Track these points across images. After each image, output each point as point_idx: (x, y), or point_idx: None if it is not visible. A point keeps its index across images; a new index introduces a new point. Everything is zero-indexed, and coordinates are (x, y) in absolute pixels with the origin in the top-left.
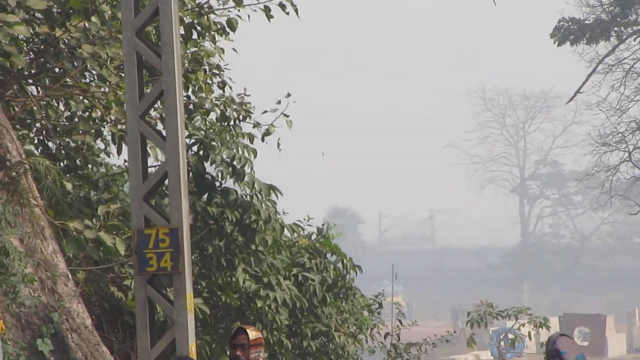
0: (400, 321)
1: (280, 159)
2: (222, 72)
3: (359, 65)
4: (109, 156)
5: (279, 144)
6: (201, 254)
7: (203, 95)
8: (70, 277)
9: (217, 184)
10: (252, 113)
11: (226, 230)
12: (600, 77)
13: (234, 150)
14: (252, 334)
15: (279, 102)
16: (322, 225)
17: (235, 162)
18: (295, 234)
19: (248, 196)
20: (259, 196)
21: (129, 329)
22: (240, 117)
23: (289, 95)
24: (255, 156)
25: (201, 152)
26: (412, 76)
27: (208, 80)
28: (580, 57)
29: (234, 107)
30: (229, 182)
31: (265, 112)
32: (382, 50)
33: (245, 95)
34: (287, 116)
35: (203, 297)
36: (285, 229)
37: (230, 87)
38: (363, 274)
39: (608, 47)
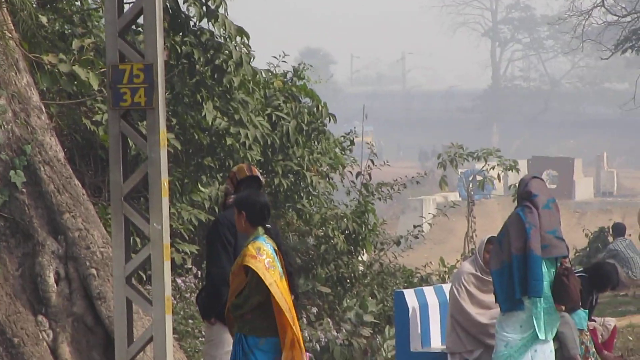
0: (372, 161)
1: None
2: None
3: None
4: None
5: None
6: (173, 92)
7: None
8: (43, 110)
9: (192, 23)
10: None
11: (199, 69)
12: None
13: None
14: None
15: None
16: (299, 65)
17: (209, 3)
18: (269, 73)
19: (222, 37)
20: (232, 38)
21: (101, 163)
22: None
23: None
24: None
25: None
26: None
27: None
28: None
29: None
30: (205, 24)
31: None
32: None
33: None
34: None
35: (175, 134)
36: (257, 74)
37: None
38: (334, 115)
39: None
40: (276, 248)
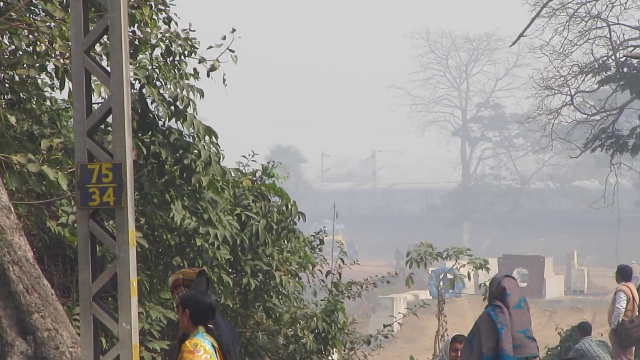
0: (342, 260)
1: (227, 94)
2: (167, 8)
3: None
4: (54, 90)
5: (224, 80)
6: (141, 192)
7: (148, 30)
8: (12, 210)
9: (161, 123)
10: (197, 48)
11: (167, 169)
12: (544, 21)
13: (177, 90)
14: (169, 280)
15: (224, 38)
16: (268, 163)
17: (177, 103)
18: (238, 172)
19: (190, 137)
20: (200, 137)
21: (70, 263)
22: (186, 52)
23: (234, 30)
24: (202, 96)
25: (144, 91)
26: (356, 17)
27: (153, 16)
28: (525, 0)
29: (179, 42)
30: (174, 123)
31: (211, 47)
32: None
33: (190, 30)
34: (233, 51)
35: (143, 233)
36: (227, 173)
37: (176, 23)
38: (304, 213)
39: None
40: (216, 346)
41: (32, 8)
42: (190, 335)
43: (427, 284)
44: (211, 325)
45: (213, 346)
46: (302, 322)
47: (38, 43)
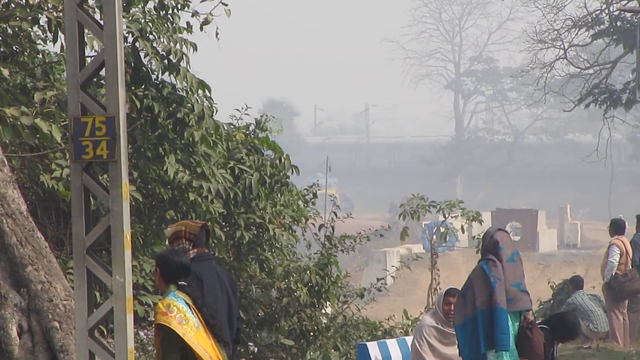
0: (335, 213)
1: (219, 47)
2: None
3: None
4: (46, 43)
5: (217, 33)
6: (134, 145)
7: None
8: (5, 163)
9: (154, 76)
10: (190, 2)
11: (161, 123)
12: None
13: (170, 44)
14: (168, 230)
15: None
16: (261, 116)
17: (171, 56)
18: (231, 126)
19: (184, 90)
20: (193, 91)
21: (63, 216)
22: (179, 5)
23: None
24: (195, 50)
25: (137, 44)
26: None
27: None
28: None
29: None
30: (167, 77)
31: (204, 0)
32: None
33: None
34: (226, 5)
35: (137, 187)
36: (220, 127)
37: None
38: (297, 167)
39: None
40: (190, 302)
41: None
42: (163, 296)
43: (421, 238)
44: (183, 283)
45: (187, 303)
46: (295, 276)
47: None
